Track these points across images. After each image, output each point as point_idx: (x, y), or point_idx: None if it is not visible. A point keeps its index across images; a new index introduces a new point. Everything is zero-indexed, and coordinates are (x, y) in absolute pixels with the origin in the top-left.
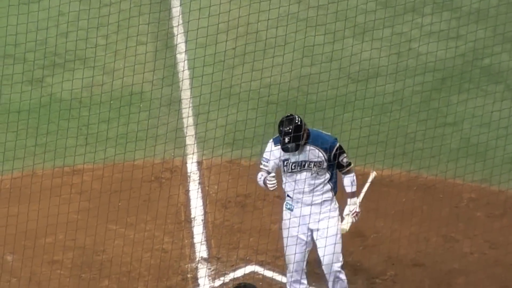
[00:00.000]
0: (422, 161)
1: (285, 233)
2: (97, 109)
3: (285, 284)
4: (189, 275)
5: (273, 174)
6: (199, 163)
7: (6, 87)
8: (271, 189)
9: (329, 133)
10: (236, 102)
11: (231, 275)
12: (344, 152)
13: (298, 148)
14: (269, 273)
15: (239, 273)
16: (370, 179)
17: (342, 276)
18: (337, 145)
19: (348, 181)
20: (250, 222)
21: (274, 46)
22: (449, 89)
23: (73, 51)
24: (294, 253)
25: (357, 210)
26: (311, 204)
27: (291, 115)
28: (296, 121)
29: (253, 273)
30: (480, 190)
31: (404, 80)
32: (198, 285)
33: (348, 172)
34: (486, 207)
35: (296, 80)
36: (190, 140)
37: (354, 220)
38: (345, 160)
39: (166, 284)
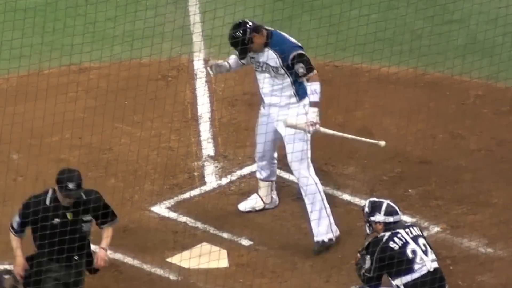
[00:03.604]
0: (429, 58)
1: (257, 128)
2: (104, 6)
3: (292, 182)
4: (195, 173)
5: (217, 63)
6: (206, 61)
7: None
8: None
9: (294, 40)
10: None
11: (238, 173)
12: (302, 61)
13: (242, 53)
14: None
15: (245, 171)
16: (374, 141)
17: (309, 180)
18: (295, 53)
19: (309, 90)
20: (257, 120)
21: None
22: None
23: None
24: (260, 143)
25: (314, 120)
26: (278, 106)
27: (241, 21)
28: (238, 30)
29: None
30: (486, 87)
31: None
32: (205, 183)
33: (309, 80)
34: (492, 104)
35: None
36: (196, 38)
37: (308, 129)
38: (301, 70)
39: (173, 182)
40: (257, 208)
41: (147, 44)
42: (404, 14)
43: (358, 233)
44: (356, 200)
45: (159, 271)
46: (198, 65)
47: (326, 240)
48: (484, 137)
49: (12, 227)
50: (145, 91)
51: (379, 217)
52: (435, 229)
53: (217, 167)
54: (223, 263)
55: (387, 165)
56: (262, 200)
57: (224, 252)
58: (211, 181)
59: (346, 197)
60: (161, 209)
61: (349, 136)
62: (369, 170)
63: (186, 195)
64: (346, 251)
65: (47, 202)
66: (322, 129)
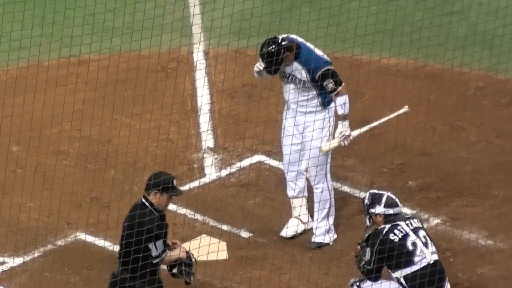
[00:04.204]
0: (429, 50)
1: (282, 126)
2: None
3: None
4: (195, 165)
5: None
6: (206, 53)
7: None
8: (255, 74)
9: (321, 54)
10: None
11: (238, 165)
12: (329, 77)
13: (274, 72)
14: (275, 163)
15: (245, 162)
16: (399, 112)
17: (324, 186)
18: (323, 69)
19: (338, 103)
20: (256, 111)
21: None
22: None
23: None
24: (288, 144)
25: (347, 133)
26: (303, 113)
27: (275, 37)
28: (272, 48)
29: (259, 162)
30: (487, 79)
31: None
32: (205, 175)
33: (337, 95)
34: (493, 96)
35: None
36: (196, 30)
37: (343, 144)
38: (330, 86)
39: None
40: (299, 231)
41: (147, 36)
42: (404, 6)
43: (358, 225)
44: (356, 192)
45: None
46: (198, 56)
47: (322, 242)
48: (484, 129)
49: (156, 257)
50: (145, 83)
51: (379, 209)
52: (435, 221)
53: (216, 159)
54: (222, 255)
55: (387, 157)
56: (301, 220)
57: (223, 244)
58: (211, 173)
59: (346, 189)
60: None
61: (378, 122)
62: (369, 162)
63: (186, 187)
64: (345, 243)
65: (155, 212)
66: (354, 134)
